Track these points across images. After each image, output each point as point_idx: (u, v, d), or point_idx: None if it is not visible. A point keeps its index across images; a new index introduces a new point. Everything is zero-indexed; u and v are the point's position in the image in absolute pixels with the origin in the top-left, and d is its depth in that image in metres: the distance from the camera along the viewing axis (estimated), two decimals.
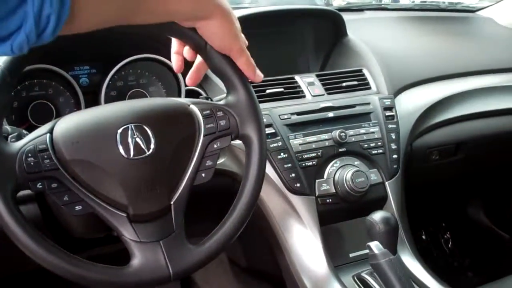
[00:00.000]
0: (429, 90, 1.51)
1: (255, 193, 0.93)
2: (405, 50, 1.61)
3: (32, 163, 0.79)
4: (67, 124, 0.84)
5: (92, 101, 1.17)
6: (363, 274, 1.15)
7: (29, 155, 0.79)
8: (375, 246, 1.00)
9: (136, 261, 0.83)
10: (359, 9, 1.84)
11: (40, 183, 0.80)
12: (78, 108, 1.16)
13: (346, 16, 1.51)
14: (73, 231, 1.07)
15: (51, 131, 0.83)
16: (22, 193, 0.80)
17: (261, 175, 0.93)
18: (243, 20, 1.32)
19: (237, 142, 0.99)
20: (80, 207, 0.82)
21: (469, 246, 2.24)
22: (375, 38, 1.57)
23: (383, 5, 1.99)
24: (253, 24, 1.41)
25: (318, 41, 1.52)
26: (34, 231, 0.78)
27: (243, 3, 4.46)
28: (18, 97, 1.15)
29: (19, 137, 0.84)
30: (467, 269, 2.18)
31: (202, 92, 1.23)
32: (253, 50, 1.45)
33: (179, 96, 1.22)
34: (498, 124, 1.59)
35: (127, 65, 1.20)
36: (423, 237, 2.27)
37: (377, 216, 1.06)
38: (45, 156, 0.80)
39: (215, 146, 0.91)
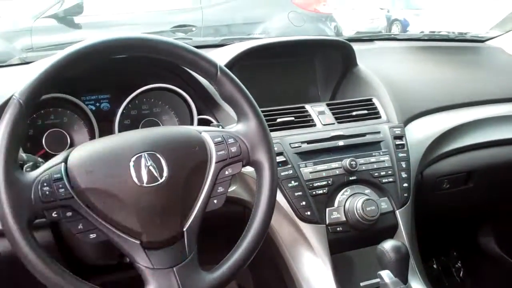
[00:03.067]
0: (439, 119, 1.52)
1: (266, 220, 0.94)
2: (414, 80, 1.63)
3: (47, 192, 0.80)
4: (81, 154, 0.86)
5: (106, 129, 1.20)
6: None
7: (45, 184, 0.81)
8: (386, 275, 1.00)
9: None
10: (369, 39, 1.87)
11: (55, 212, 0.81)
12: (92, 136, 1.19)
13: (356, 46, 1.53)
14: (86, 258, 1.08)
15: (65, 161, 0.85)
16: (37, 220, 0.81)
17: (272, 202, 0.95)
18: (255, 50, 1.36)
19: (249, 169, 1.01)
20: (95, 235, 0.83)
21: (480, 276, 2.22)
22: (385, 68, 1.59)
23: (392, 35, 2.01)
24: (265, 54, 1.45)
25: (328, 71, 1.55)
26: (50, 260, 0.79)
27: (254, 33, 4.52)
28: (34, 125, 1.17)
29: (35, 166, 0.86)
30: None
31: (214, 121, 1.25)
32: (265, 80, 1.49)
33: (191, 124, 1.24)
34: (509, 153, 1.60)
35: (141, 94, 1.22)
36: (434, 266, 2.25)
37: (388, 244, 1.07)
38: (60, 185, 0.81)
39: (226, 172, 0.93)
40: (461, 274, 2.25)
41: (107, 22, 3.61)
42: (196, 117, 1.24)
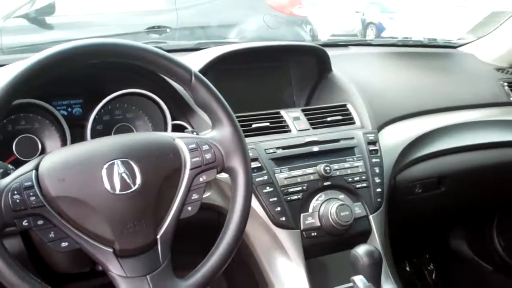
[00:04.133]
0: (412, 124, 1.54)
1: (241, 227, 0.95)
2: (388, 85, 1.65)
3: (18, 201, 0.79)
4: (53, 161, 0.85)
5: (78, 135, 1.18)
6: None
7: (15, 192, 0.79)
8: (360, 280, 1.01)
9: None
10: (344, 45, 1.89)
11: (26, 221, 0.80)
12: (64, 142, 1.17)
13: (331, 52, 1.54)
14: (58, 266, 1.07)
15: (36, 168, 0.83)
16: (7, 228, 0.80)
17: (246, 209, 0.95)
18: (229, 55, 1.36)
19: (223, 176, 1.01)
20: (66, 243, 0.82)
21: (452, 277, 2.26)
22: (359, 74, 1.60)
23: (367, 41, 2.04)
24: (240, 60, 1.45)
25: (303, 76, 1.56)
26: (19, 268, 0.78)
27: (230, 35, 4.51)
28: (4, 131, 1.15)
29: (5, 173, 0.84)
30: None
31: (188, 126, 1.24)
32: (240, 85, 1.49)
33: (165, 130, 1.24)
34: (479, 158, 1.63)
35: (114, 99, 1.21)
36: (407, 268, 2.29)
37: (361, 249, 1.09)
38: (31, 193, 0.80)
39: (201, 179, 0.93)
40: (433, 276, 2.29)
41: (80, 22, 3.56)
42: (170, 123, 1.23)
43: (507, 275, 2.08)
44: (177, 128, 1.23)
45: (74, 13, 3.63)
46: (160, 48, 1.45)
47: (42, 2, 3.34)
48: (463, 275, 2.24)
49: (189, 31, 4.06)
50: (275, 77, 1.55)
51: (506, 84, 1.81)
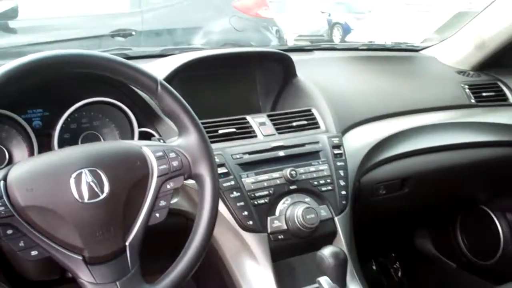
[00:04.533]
0: (375, 128, 1.58)
1: (209, 231, 0.97)
2: (352, 90, 1.69)
3: None
4: (21, 171, 0.86)
5: (45, 143, 1.18)
6: None
7: None
8: (325, 281, 1.05)
9: None
10: (309, 50, 1.92)
11: None
12: (31, 151, 1.17)
13: (296, 57, 1.57)
14: (29, 274, 1.07)
15: (5, 178, 0.84)
16: None
17: (214, 214, 0.97)
18: (196, 62, 1.38)
19: (191, 181, 1.02)
20: (36, 252, 0.83)
21: (417, 275, 2.32)
22: (324, 78, 1.64)
23: (331, 46, 2.07)
24: (205, 66, 1.46)
25: (268, 82, 1.59)
26: None
27: (196, 40, 4.49)
28: None
29: None
30: None
31: (155, 134, 1.26)
32: (206, 91, 1.50)
33: (132, 137, 1.25)
34: (441, 159, 1.68)
35: (81, 108, 1.21)
36: (374, 267, 2.33)
37: (327, 251, 1.12)
38: (0, 204, 0.81)
39: (168, 186, 0.95)
40: (399, 274, 2.34)
41: (44, 26, 3.52)
42: (136, 130, 1.24)
43: (471, 273, 2.14)
44: (144, 136, 1.24)
45: (38, 16, 3.59)
46: (126, 54, 1.47)
47: (5, 6, 3.30)
48: (428, 273, 2.30)
49: (155, 34, 4.06)
50: (241, 82, 1.58)
51: (467, 86, 1.87)
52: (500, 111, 1.86)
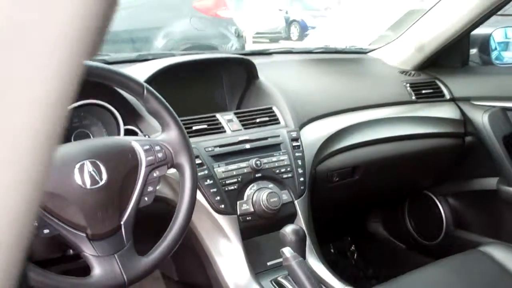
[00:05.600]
0: (328, 122, 1.74)
1: (189, 211, 1.15)
2: (307, 89, 1.84)
3: None
4: None
5: None
6: (279, 278, 1.36)
7: None
8: (287, 251, 1.22)
9: (97, 271, 1.02)
10: (268, 53, 2.06)
11: None
12: None
13: (257, 60, 1.72)
14: (34, 254, 1.22)
15: None
16: None
17: (193, 196, 1.15)
18: (166, 70, 1.54)
19: (171, 171, 1.20)
20: (48, 230, 0.99)
21: (371, 257, 2.51)
22: (282, 79, 1.79)
23: (288, 49, 2.25)
24: (179, 70, 1.63)
25: (234, 84, 1.73)
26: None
27: (158, 39, 4.56)
28: None
29: None
30: (371, 278, 2.41)
31: (138, 130, 1.42)
32: (180, 92, 1.67)
33: (118, 134, 1.41)
34: (387, 149, 1.84)
35: (72, 109, 1.37)
36: (332, 250, 2.52)
37: (289, 228, 1.27)
38: None
39: (154, 174, 1.13)
40: (354, 256, 2.52)
41: None
42: (122, 128, 1.40)
43: (418, 252, 2.30)
44: (128, 132, 1.39)
45: None
46: (105, 60, 1.61)
47: None
48: (380, 253, 2.46)
49: (116, 35, 4.14)
50: (210, 85, 1.71)
51: (408, 85, 2.02)
52: (437, 106, 2.00)
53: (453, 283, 1.44)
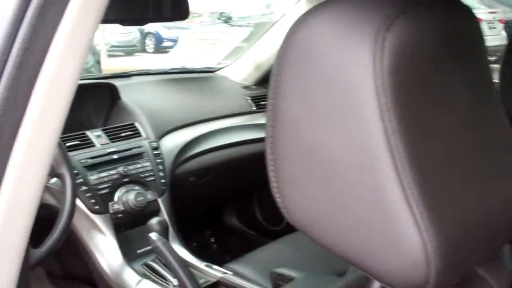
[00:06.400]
0: (184, 133, 2.01)
1: (72, 211, 1.40)
2: (164, 105, 2.11)
3: None
4: None
5: None
6: (149, 262, 1.65)
7: None
8: (154, 235, 1.50)
9: None
10: (127, 75, 2.29)
11: None
12: None
13: (118, 82, 1.97)
14: None
15: None
16: None
17: (74, 199, 1.41)
18: None
19: (52, 181, 1.45)
20: None
21: (228, 246, 2.71)
22: (142, 98, 2.04)
23: (146, 71, 2.47)
24: None
25: (99, 104, 1.96)
26: None
27: None
28: None
29: None
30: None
31: None
32: None
33: None
34: (232, 153, 2.13)
35: None
36: (194, 244, 2.78)
37: (154, 220, 1.56)
38: None
39: None
40: (214, 247, 2.73)
41: None
42: None
43: (266, 237, 2.52)
44: None
45: None
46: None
47: None
48: (236, 242, 2.70)
49: None
50: (78, 106, 1.93)
51: (249, 98, 2.31)
52: None
53: (290, 250, 1.78)
